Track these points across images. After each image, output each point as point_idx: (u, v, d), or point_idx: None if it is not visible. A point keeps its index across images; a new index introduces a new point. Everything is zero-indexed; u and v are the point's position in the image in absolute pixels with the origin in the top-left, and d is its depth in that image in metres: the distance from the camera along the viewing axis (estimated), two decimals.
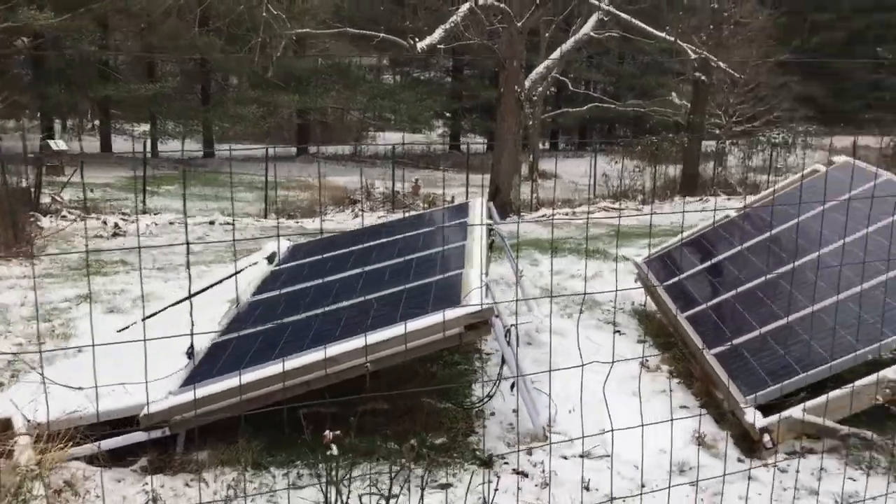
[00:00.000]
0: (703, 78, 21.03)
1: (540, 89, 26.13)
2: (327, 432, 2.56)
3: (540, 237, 14.23)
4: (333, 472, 3.23)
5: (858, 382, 4.85)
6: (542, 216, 18.64)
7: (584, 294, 8.41)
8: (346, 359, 4.80)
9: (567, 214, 19.40)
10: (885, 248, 5.61)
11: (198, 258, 12.28)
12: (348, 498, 3.58)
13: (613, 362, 3.51)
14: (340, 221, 17.81)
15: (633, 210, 19.97)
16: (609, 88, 34.91)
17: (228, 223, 16.85)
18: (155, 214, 17.06)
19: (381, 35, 13.30)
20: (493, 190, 16.85)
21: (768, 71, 24.62)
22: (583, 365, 3.44)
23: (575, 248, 12.10)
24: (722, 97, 23.90)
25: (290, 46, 29.17)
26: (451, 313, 4.79)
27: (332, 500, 2.83)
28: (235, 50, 23.53)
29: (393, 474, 4.83)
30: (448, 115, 34.66)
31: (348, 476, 3.45)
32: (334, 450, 2.52)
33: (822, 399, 4.78)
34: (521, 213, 17.63)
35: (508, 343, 5.21)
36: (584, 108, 27.61)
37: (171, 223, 16.39)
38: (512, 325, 5.53)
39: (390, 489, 3.49)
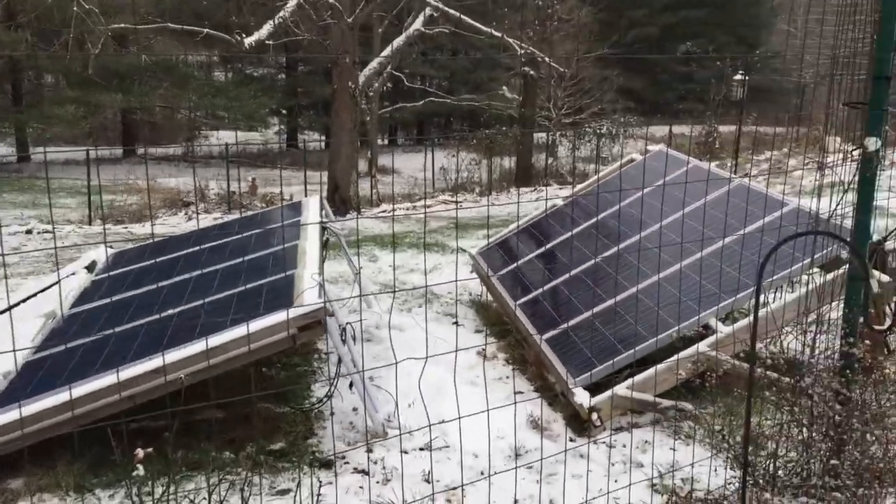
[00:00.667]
0: (531, 73, 21.72)
1: (376, 85, 26.14)
2: (138, 451, 2.41)
3: (380, 233, 14.21)
4: (144, 493, 3.07)
5: (677, 357, 5.15)
6: (382, 212, 18.66)
7: (425, 287, 8.47)
8: (172, 369, 4.59)
9: (407, 209, 19.52)
10: (698, 231, 5.98)
11: (13, 270, 11.41)
12: None
13: (456, 351, 3.53)
14: (174, 225, 17.06)
15: (470, 202, 20.36)
16: (444, 83, 35.38)
17: (48, 231, 15.77)
18: None
19: (206, 31, 12.83)
20: (331, 187, 16.69)
21: (591, 65, 25.75)
22: (427, 357, 3.44)
23: (415, 242, 12.19)
24: (550, 91, 24.76)
25: (110, 43, 27.69)
26: (283, 315, 4.68)
27: None
28: (46, 47, 22.05)
29: (227, 484, 4.71)
30: (284, 112, 33.97)
31: (169, 493, 3.28)
32: (141, 470, 2.36)
33: (645, 375, 5.04)
34: (361, 210, 17.56)
35: (344, 341, 5.16)
36: (420, 102, 27.85)
37: None
38: (348, 323, 5.48)
39: (220, 500, 3.36)
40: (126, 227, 17.03)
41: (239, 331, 4.66)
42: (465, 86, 33.03)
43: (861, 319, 2.86)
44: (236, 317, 4.94)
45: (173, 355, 4.51)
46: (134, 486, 3.72)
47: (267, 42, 13.24)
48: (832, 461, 2.68)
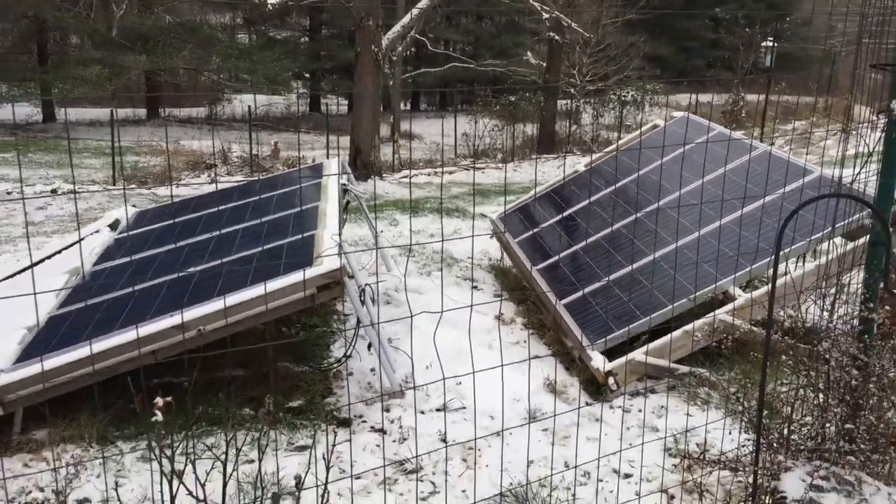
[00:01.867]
0: (556, 38, 21.46)
1: (399, 49, 25.97)
2: (158, 399, 2.45)
3: (401, 198, 14.22)
4: (164, 445, 3.13)
5: (695, 323, 5.14)
6: (404, 177, 18.64)
7: (441, 241, 8.49)
8: (192, 326, 4.65)
9: (428, 174, 19.50)
10: (719, 198, 5.93)
11: (38, 229, 11.58)
12: (186, 467, 3.48)
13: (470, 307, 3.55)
14: (196, 187, 17.14)
15: (492, 168, 20.29)
16: (468, 48, 35.07)
17: (72, 191, 15.92)
18: None
19: None
20: (353, 151, 16.66)
21: (617, 31, 25.41)
22: (441, 312, 3.46)
23: (435, 207, 12.18)
24: (575, 57, 24.48)
25: (135, 4, 27.66)
26: (302, 275, 4.72)
27: (167, 469, 2.74)
28: (70, 6, 22.10)
29: (246, 438, 4.79)
30: (307, 75, 33.87)
31: (188, 446, 3.34)
32: (160, 416, 2.40)
33: (661, 341, 5.04)
34: (382, 174, 17.54)
35: (363, 302, 5.19)
36: (444, 68, 27.67)
37: (7, 193, 15.33)
38: (367, 285, 5.52)
39: (234, 454, 3.41)
40: (150, 189, 17.15)
41: (258, 289, 4.71)
42: (490, 51, 32.74)
43: (882, 285, 2.83)
44: (256, 276, 4.98)
45: (194, 312, 4.57)
46: (153, 438, 3.79)
47: (290, 3, 13.15)
48: (847, 425, 2.68)
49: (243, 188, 7.52)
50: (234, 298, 4.64)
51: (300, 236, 5.54)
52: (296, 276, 4.66)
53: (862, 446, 2.65)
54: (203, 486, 3.14)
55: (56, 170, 19.19)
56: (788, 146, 17.01)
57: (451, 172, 19.66)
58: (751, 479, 2.58)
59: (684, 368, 5.19)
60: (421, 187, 16.96)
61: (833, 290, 3.10)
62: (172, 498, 2.63)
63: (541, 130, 23.04)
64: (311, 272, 4.73)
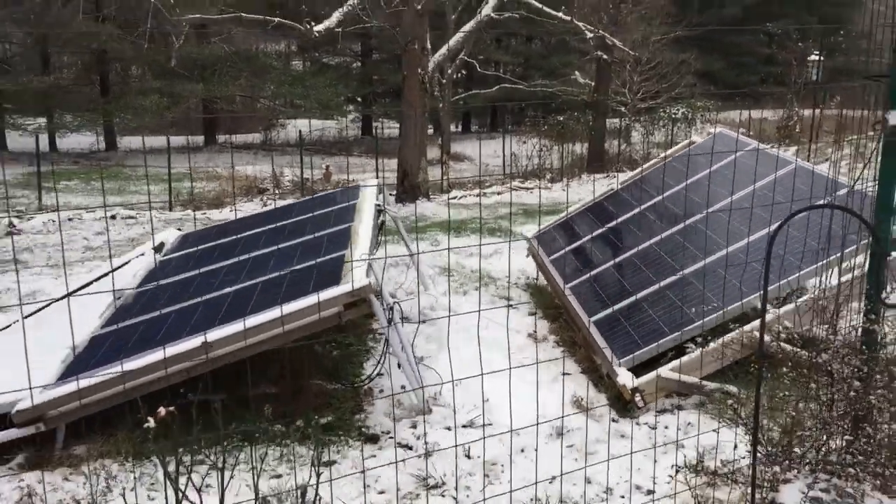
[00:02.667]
0: (604, 57, 21.43)
1: (449, 71, 26.23)
2: (160, 409, 2.56)
3: (447, 219, 14.33)
4: (196, 461, 3.26)
5: (723, 339, 5.10)
6: (452, 198, 18.77)
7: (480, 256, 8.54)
8: (224, 344, 4.79)
9: (477, 195, 19.59)
10: (746, 213, 5.88)
11: (96, 253, 11.99)
12: (225, 483, 3.59)
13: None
14: (248, 211, 17.55)
15: (542, 187, 20.27)
16: (518, 69, 35.19)
17: (131, 216, 16.47)
18: (52, 211, 16.50)
19: (277, 20, 13.12)
20: (400, 173, 16.86)
21: (668, 48, 25.24)
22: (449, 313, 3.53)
23: (479, 227, 12.26)
24: (626, 75, 24.39)
25: (192, 35, 28.52)
26: (329, 293, 4.83)
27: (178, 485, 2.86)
28: (131, 38, 22.85)
29: (277, 453, 4.91)
30: (359, 100, 34.41)
31: (219, 461, 3.46)
32: (151, 423, 2.51)
33: (688, 357, 5.01)
34: (430, 196, 17.69)
35: (391, 321, 5.28)
36: (494, 89, 27.82)
37: (69, 219, 15.90)
38: (395, 303, 5.61)
39: (256, 467, 3.52)
40: (204, 213, 17.63)
41: (285, 308, 4.83)
42: (540, 71, 32.81)
43: (881, 294, 2.80)
44: (286, 296, 5.11)
45: (220, 332, 4.71)
46: (186, 455, 3.92)
47: (336, 30, 13.46)
48: (847, 437, 2.65)
49: (283, 210, 7.72)
50: (260, 318, 4.78)
51: (331, 256, 5.67)
52: (322, 295, 4.77)
53: (862, 458, 2.62)
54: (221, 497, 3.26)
55: (116, 196, 19.86)
56: (837, 161, 16.64)
57: (499, 193, 19.73)
58: (750, 491, 2.57)
59: (712, 385, 5.14)
60: (468, 208, 17.05)
61: (835, 303, 3.07)
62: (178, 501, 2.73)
63: (590, 149, 22.98)
64: (336, 290, 4.85)
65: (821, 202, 4.94)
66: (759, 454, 2.75)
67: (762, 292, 2.58)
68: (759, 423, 2.79)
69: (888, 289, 2.77)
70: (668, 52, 25.44)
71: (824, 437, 2.74)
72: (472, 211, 16.76)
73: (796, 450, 2.78)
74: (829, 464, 2.64)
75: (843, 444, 2.65)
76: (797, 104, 23.39)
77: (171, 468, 3.32)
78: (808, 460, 2.70)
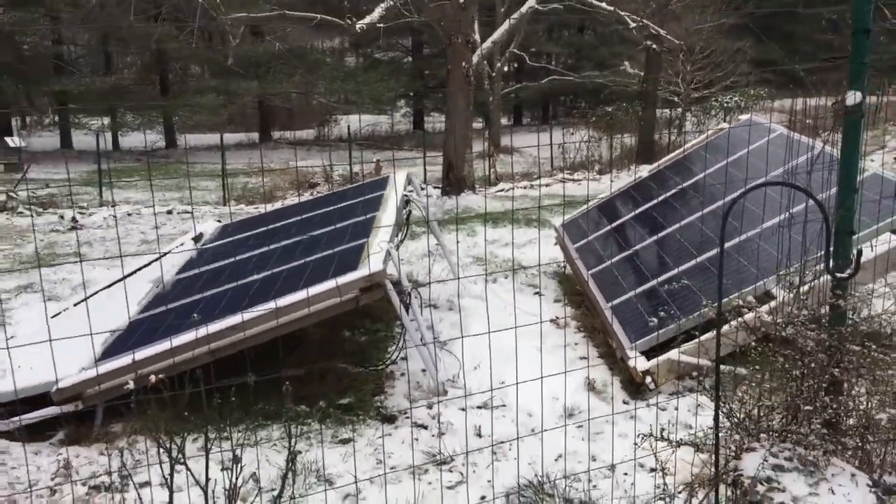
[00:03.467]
0: (653, 46, 21.25)
1: (498, 64, 26.30)
2: (151, 377, 2.78)
3: (490, 210, 14.47)
4: (223, 437, 3.50)
5: (736, 321, 5.14)
6: (499, 190, 18.90)
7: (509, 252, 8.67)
8: (250, 325, 5.04)
9: (524, 187, 19.68)
10: (772, 199, 5.90)
11: (150, 247, 12.46)
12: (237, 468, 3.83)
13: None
14: None
15: (590, 179, 20.23)
16: (569, 61, 35.07)
17: (186, 211, 17.01)
18: (113, 206, 17.16)
19: (319, 16, 13.41)
20: (445, 166, 17.04)
21: (722, 36, 24.84)
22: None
23: (519, 218, 12.37)
24: (679, 65, 24.12)
25: (246, 33, 29.17)
26: (345, 278, 5.04)
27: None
28: (186, 38, 23.48)
29: (298, 433, 5.14)
30: (411, 94, 34.74)
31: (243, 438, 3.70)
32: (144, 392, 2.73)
33: (697, 340, 5.07)
34: (476, 188, 17.84)
35: (409, 306, 5.47)
36: (544, 81, 27.81)
37: (128, 214, 16.53)
38: (413, 288, 5.80)
39: (290, 434, 3.74)
40: (256, 207, 18.12)
41: (310, 291, 5.05)
42: (590, 62, 32.62)
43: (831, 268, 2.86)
44: (308, 280, 5.34)
45: (246, 315, 4.96)
46: (214, 432, 4.17)
47: (378, 25, 13.70)
48: (806, 407, 2.73)
49: (316, 201, 7.97)
50: (282, 302, 5.01)
51: (353, 244, 5.88)
52: (339, 280, 4.98)
53: (825, 430, 2.69)
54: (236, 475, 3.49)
55: (175, 192, 20.51)
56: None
57: (547, 185, 19.77)
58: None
59: (723, 368, 5.18)
60: (515, 200, 17.15)
61: (800, 282, 3.13)
62: (169, 483, 2.95)
63: (640, 140, 22.82)
64: (353, 275, 5.05)
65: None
66: (724, 423, 2.86)
67: (718, 267, 2.66)
68: (724, 395, 2.89)
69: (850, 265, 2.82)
70: (723, 40, 25.05)
71: (790, 410, 2.82)
72: (518, 202, 16.87)
73: (763, 423, 2.87)
74: (792, 433, 2.72)
75: (806, 416, 2.73)
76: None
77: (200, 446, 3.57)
78: (773, 431, 2.79)
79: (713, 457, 2.70)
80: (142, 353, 5.00)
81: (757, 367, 2.97)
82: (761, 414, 2.84)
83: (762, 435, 2.79)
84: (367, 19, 13.29)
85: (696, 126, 24.21)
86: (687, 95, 24.84)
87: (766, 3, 30.55)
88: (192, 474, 3.13)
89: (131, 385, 2.75)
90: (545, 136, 25.99)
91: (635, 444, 3.24)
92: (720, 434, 2.81)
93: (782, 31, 34.00)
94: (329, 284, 5.03)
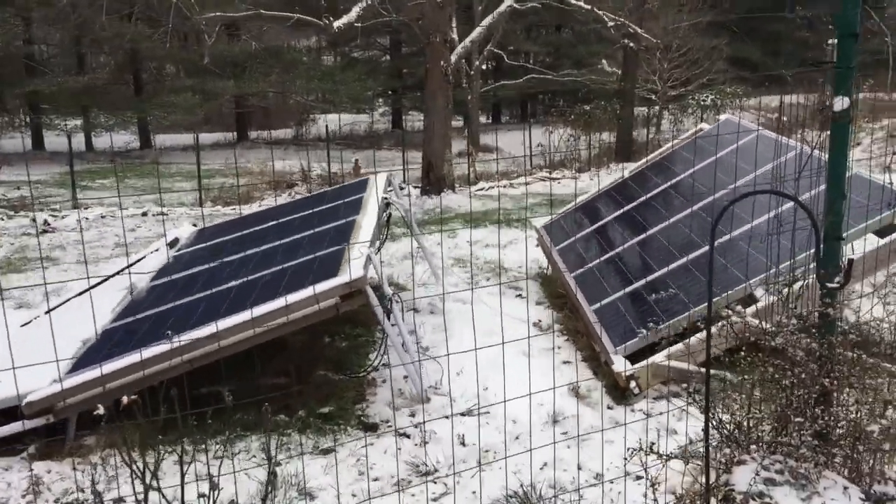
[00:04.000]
0: (630, 45, 21.27)
1: (477, 63, 26.21)
2: (123, 397, 2.67)
3: (473, 210, 14.40)
4: (199, 450, 3.38)
5: (720, 324, 5.09)
6: (478, 189, 18.83)
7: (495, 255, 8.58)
8: (226, 335, 4.92)
9: (504, 186, 19.63)
10: (750, 200, 5.85)
11: (125, 250, 12.26)
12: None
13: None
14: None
15: (568, 179, 20.21)
16: (547, 59, 35.06)
17: (162, 213, 16.79)
18: (86, 209, 16.89)
19: (296, 16, 13.26)
20: (425, 166, 16.94)
21: (699, 34, 24.93)
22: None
23: (500, 219, 12.30)
24: (656, 63, 24.17)
25: (222, 32, 28.87)
26: (325, 285, 4.93)
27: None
28: (160, 37, 23.21)
29: (276, 443, 5.03)
30: (389, 93, 34.57)
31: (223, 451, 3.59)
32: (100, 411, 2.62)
33: (682, 344, 5.02)
34: (456, 188, 17.75)
35: (390, 312, 5.37)
36: (522, 79, 27.78)
37: (102, 217, 16.27)
38: (394, 293, 5.70)
39: (270, 458, 3.64)
40: (234, 209, 17.90)
41: (286, 299, 4.94)
42: (569, 61, 32.64)
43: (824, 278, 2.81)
44: (286, 288, 5.22)
45: (222, 324, 4.84)
46: (191, 445, 4.06)
47: (356, 25, 13.57)
48: (797, 419, 2.67)
49: (294, 204, 7.85)
50: (260, 310, 4.90)
51: (333, 249, 5.77)
52: (318, 287, 4.87)
53: (816, 442, 2.64)
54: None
55: (150, 194, 20.23)
56: (872, 146, 16.35)
57: (527, 184, 19.72)
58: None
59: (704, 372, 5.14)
60: (494, 200, 17.08)
61: (789, 287, 3.08)
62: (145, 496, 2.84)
63: (618, 138, 22.84)
64: (332, 282, 4.94)
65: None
66: (714, 436, 2.79)
67: (708, 279, 2.60)
68: (715, 405, 2.83)
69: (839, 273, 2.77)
70: (700, 38, 25.13)
71: (781, 421, 2.76)
72: (497, 201, 16.80)
73: (753, 435, 2.81)
74: (783, 445, 2.66)
75: (797, 427, 2.67)
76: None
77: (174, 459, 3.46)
78: (764, 442, 2.73)
79: (703, 469, 2.63)
80: (114, 365, 4.86)
81: (746, 376, 2.91)
82: (751, 425, 2.77)
83: (752, 447, 2.72)
84: (345, 19, 13.16)
85: (674, 124, 24.29)
86: (664, 93, 24.92)
87: (742, 3, 30.75)
88: (165, 498, 2.99)
89: (101, 410, 2.62)
90: (524, 134, 25.92)
91: (625, 458, 3.16)
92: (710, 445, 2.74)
93: (759, 30, 34.21)
94: (308, 292, 4.92)
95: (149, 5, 19.15)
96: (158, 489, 2.93)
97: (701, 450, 2.77)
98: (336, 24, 12.93)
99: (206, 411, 3.76)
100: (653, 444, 2.97)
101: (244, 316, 4.80)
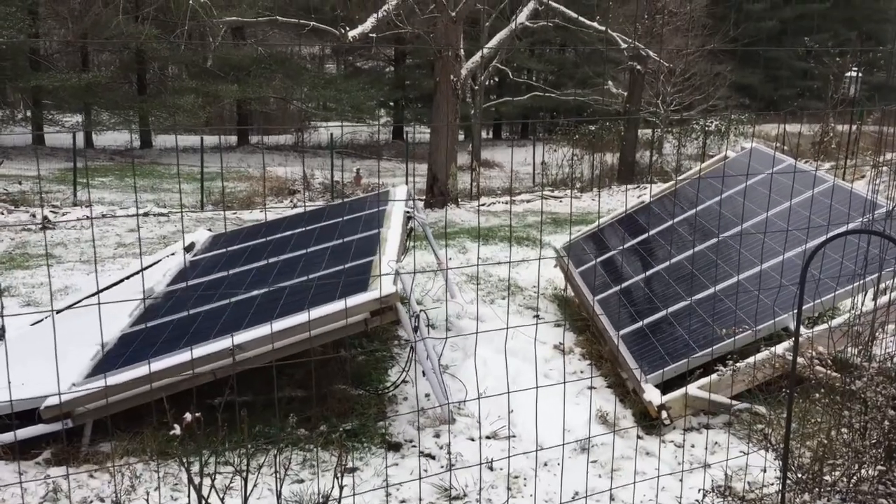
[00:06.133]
0: (637, 67, 21.33)
1: (481, 79, 26.23)
2: (187, 415, 2.57)
3: (476, 226, 14.32)
4: (220, 462, 3.28)
5: (755, 358, 5.03)
6: (482, 205, 18.78)
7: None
8: (251, 347, 4.82)
9: (505, 203, 19.59)
10: (783, 230, 5.80)
11: (127, 250, 12.12)
12: (252, 487, 3.61)
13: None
14: (279, 212, 17.66)
15: (567, 197, 20.19)
16: (550, 78, 35.15)
17: (163, 214, 16.66)
18: (86, 207, 16.73)
19: (312, 24, 13.20)
20: (430, 179, 16.88)
21: (703, 60, 25.04)
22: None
23: (507, 235, 12.23)
24: (659, 86, 24.25)
25: (228, 36, 28.79)
26: (356, 300, 4.84)
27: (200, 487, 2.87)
28: (170, 40, 23.12)
29: (300, 458, 4.92)
30: (391, 104, 34.56)
31: (242, 464, 3.47)
32: (177, 430, 2.52)
33: (717, 376, 4.94)
34: (459, 202, 17.70)
35: (416, 329, 5.27)
36: (526, 97, 27.81)
37: (103, 215, 16.11)
38: (422, 310, 5.61)
39: (279, 472, 3.52)
40: (235, 213, 17.78)
41: (318, 311, 4.84)
42: (572, 80, 32.73)
43: None
44: (314, 301, 5.12)
45: (248, 335, 4.74)
46: (210, 458, 3.94)
47: (371, 35, 13.52)
48: (879, 467, 2.59)
49: (312, 214, 7.74)
50: (287, 322, 4.80)
51: (359, 262, 5.67)
52: (349, 301, 4.77)
53: (894, 489, 2.56)
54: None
55: (150, 194, 20.08)
56: (876, 179, 16.38)
57: (528, 201, 19.70)
58: None
59: (742, 405, 5.07)
60: (497, 215, 17.03)
61: (870, 329, 3.01)
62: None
63: (621, 160, 22.87)
64: (363, 297, 4.85)
65: (856, 225, 4.86)
66: (788, 480, 2.70)
67: (796, 311, 2.53)
68: (790, 449, 2.73)
69: None
70: (704, 63, 25.25)
71: (856, 466, 2.68)
72: (501, 218, 16.73)
73: (827, 478, 2.73)
74: (860, 493, 2.58)
75: (876, 475, 2.59)
76: (833, 120, 23.07)
77: (195, 470, 3.34)
78: (839, 489, 2.65)
79: None
80: (136, 372, 4.75)
81: (819, 419, 2.83)
82: (824, 470, 2.69)
83: (821, 490, 2.64)
84: (360, 29, 13.11)
85: (676, 148, 24.33)
86: (666, 117, 24.99)
87: (747, 29, 30.91)
88: None
89: (178, 430, 2.51)
90: (527, 151, 25.94)
91: (697, 501, 3.06)
92: (778, 491, 2.66)
93: (761, 57, 34.42)
94: (338, 305, 4.82)
95: (160, 7, 19.03)
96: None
97: (768, 491, 2.68)
98: (351, 33, 12.87)
99: (223, 423, 3.64)
100: (730, 486, 2.88)
101: (271, 327, 4.69)
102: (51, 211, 15.77)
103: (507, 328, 3.41)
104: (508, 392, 3.60)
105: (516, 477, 4.70)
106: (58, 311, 6.87)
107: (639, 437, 5.11)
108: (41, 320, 6.80)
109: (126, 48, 26.38)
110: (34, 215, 15.42)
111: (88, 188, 19.62)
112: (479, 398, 4.16)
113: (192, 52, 26.23)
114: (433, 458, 4.94)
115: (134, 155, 27.43)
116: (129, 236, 13.53)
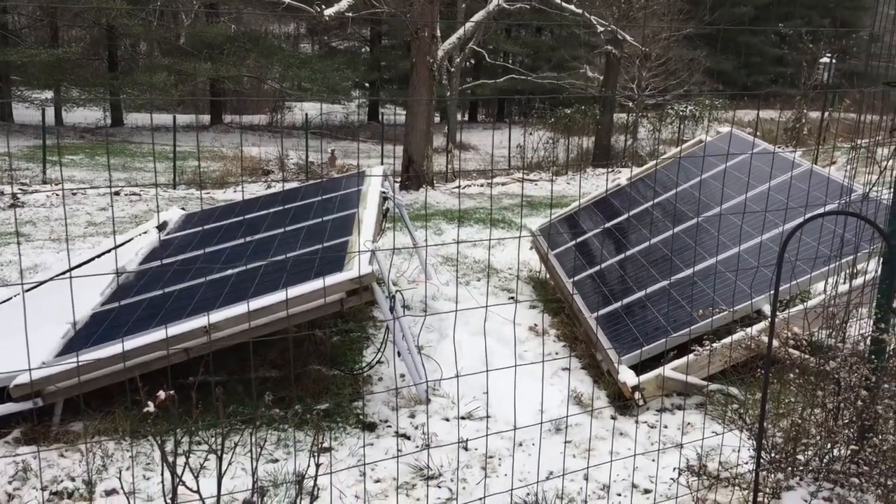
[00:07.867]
0: (613, 51, 21.34)
1: (457, 60, 26.11)
2: (160, 393, 2.53)
3: (451, 208, 14.29)
4: (194, 441, 3.24)
5: (728, 340, 5.07)
6: (457, 187, 18.74)
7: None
8: (225, 326, 4.77)
9: (481, 185, 19.57)
10: (756, 214, 5.84)
11: (98, 229, 11.96)
12: (227, 466, 3.58)
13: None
14: (252, 192, 17.51)
15: (545, 181, 20.22)
16: (526, 60, 35.07)
17: (135, 193, 16.44)
18: (56, 185, 16.47)
19: (287, 1, 13.05)
20: (405, 160, 16.80)
21: (678, 45, 25.12)
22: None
23: (483, 217, 12.22)
24: (634, 70, 24.28)
25: (201, 12, 28.36)
26: (332, 279, 4.80)
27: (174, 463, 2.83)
28: (139, 14, 22.79)
29: (274, 438, 4.90)
30: (367, 85, 34.32)
31: (217, 444, 3.44)
32: (151, 407, 2.48)
33: (690, 357, 4.98)
34: (435, 184, 17.65)
35: (392, 309, 5.25)
36: (502, 79, 27.74)
37: (73, 193, 15.87)
38: (397, 291, 5.59)
39: (251, 451, 3.49)
40: (208, 192, 17.59)
41: (294, 291, 4.80)
42: (548, 63, 32.70)
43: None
44: (289, 280, 5.08)
45: (222, 314, 4.69)
46: (184, 437, 3.90)
47: (347, 14, 13.39)
48: (852, 446, 2.62)
49: (288, 193, 7.68)
50: (263, 301, 4.75)
51: (335, 242, 5.63)
52: (325, 281, 4.74)
53: (867, 468, 2.59)
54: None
55: (121, 172, 19.81)
56: (851, 164, 16.58)
57: (503, 184, 19.69)
58: (751, 497, 2.55)
59: (714, 386, 5.11)
60: (472, 198, 17.01)
61: (844, 310, 3.03)
62: (174, 489, 2.70)
63: (596, 143, 22.92)
64: (339, 277, 4.82)
65: (833, 207, 4.90)
66: (762, 460, 2.72)
67: (773, 293, 2.54)
68: (764, 429, 2.75)
69: None
70: (679, 48, 25.32)
71: (829, 446, 2.71)
72: (476, 201, 16.72)
73: (800, 457, 2.76)
74: (833, 472, 2.61)
75: (849, 454, 2.62)
76: (806, 106, 23.28)
77: (169, 449, 3.31)
78: (811, 468, 2.68)
79: (751, 494, 2.57)
80: (107, 350, 4.69)
81: (793, 399, 2.85)
82: (798, 449, 2.72)
83: (794, 469, 2.67)
84: (336, 7, 12.97)
85: (651, 132, 24.42)
86: (641, 101, 25.06)
87: (722, 14, 31.04)
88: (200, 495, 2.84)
89: (151, 408, 2.47)
90: (503, 134, 25.94)
91: (672, 479, 3.08)
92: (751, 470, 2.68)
93: (735, 43, 34.65)
94: (314, 285, 4.79)
95: None
96: (198, 490, 2.77)
97: (741, 470, 2.70)
98: (327, 12, 12.74)
99: (197, 402, 3.60)
100: (705, 466, 2.90)
101: (245, 306, 4.65)
102: (20, 189, 15.50)
103: (487, 306, 3.39)
104: (487, 371, 3.59)
105: (491, 457, 4.71)
106: (27, 289, 6.76)
107: (613, 417, 5.14)
108: (10, 298, 6.69)
109: (97, 24, 25.91)
110: (2, 192, 15.15)
111: (61, 166, 19.34)
112: (457, 377, 4.15)
113: (164, 29, 25.87)
114: (408, 438, 4.94)
115: (106, 133, 27.02)
116: (100, 215, 13.34)
